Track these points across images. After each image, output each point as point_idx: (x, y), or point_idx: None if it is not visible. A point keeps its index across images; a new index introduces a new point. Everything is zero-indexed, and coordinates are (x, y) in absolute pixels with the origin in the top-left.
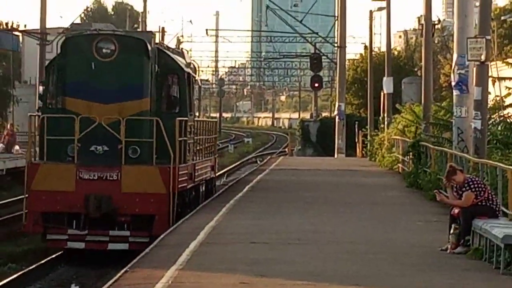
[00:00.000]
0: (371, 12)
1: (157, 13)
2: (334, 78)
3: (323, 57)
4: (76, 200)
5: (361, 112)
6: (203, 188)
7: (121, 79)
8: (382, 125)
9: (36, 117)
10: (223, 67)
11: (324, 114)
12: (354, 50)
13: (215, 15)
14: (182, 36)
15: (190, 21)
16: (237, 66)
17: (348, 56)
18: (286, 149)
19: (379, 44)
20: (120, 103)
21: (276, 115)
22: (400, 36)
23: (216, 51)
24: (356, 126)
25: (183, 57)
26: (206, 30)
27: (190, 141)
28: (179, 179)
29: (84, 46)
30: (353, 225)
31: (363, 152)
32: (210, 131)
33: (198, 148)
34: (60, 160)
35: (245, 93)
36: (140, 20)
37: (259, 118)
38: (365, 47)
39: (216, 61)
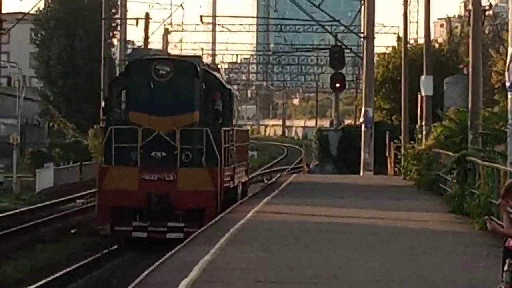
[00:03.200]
0: None
1: None
2: (360, 76)
3: (346, 50)
4: (140, 197)
5: (393, 119)
6: (240, 189)
7: (175, 96)
8: (419, 136)
9: (102, 128)
10: (222, 62)
11: (347, 122)
12: (384, 41)
13: None
14: (170, 24)
15: (181, 6)
16: (239, 61)
17: (377, 50)
18: (302, 165)
19: (416, 35)
20: (175, 116)
21: (288, 123)
22: (442, 25)
23: (213, 43)
24: (387, 136)
25: (219, 72)
26: (201, 16)
27: (231, 148)
28: (224, 179)
29: (145, 68)
30: (383, 259)
31: (396, 168)
32: (244, 139)
33: (236, 154)
34: (125, 164)
35: (250, 95)
36: (119, 4)
37: (266, 126)
38: (398, 38)
39: (213, 55)
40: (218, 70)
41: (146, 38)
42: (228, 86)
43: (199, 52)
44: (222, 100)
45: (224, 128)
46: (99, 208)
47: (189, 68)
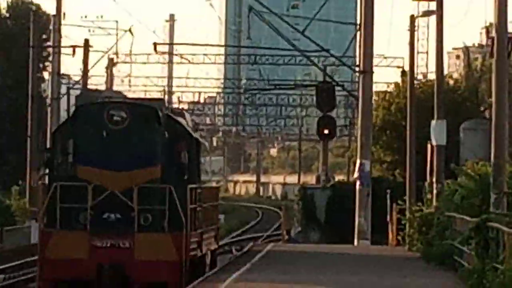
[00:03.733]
0: (412, 17)
1: (78, 18)
2: (354, 121)
3: (337, 88)
4: (89, 268)
5: (396, 175)
6: (208, 258)
7: (132, 147)
8: (428, 196)
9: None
10: (180, 102)
11: (338, 178)
12: (385, 77)
13: (168, 21)
14: (116, 53)
15: (129, 30)
16: (202, 101)
17: (376, 87)
18: (280, 232)
19: (425, 69)
20: (132, 171)
21: (263, 179)
22: (458, 56)
23: (170, 77)
24: (388, 196)
25: (185, 118)
26: (154, 44)
27: (199, 209)
28: (190, 247)
29: (96, 114)
30: None
31: (399, 237)
32: (214, 198)
33: (204, 216)
34: (73, 228)
35: (215, 144)
36: (51, 28)
37: (236, 182)
38: (403, 72)
39: (170, 92)
40: (183, 115)
41: (85, 71)
42: (195, 135)
43: (151, 89)
44: (188, 151)
45: (190, 185)
46: (41, 281)
47: (149, 113)
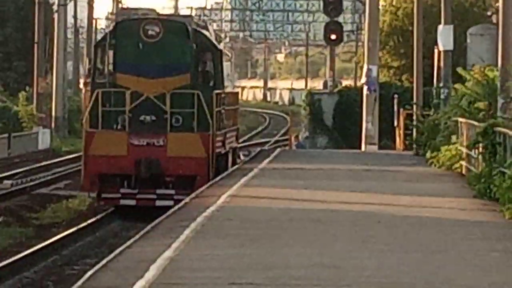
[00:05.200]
0: None
1: None
2: (362, 26)
3: None
4: (128, 163)
5: (403, 80)
6: (231, 155)
7: (165, 57)
8: (436, 100)
9: (88, 90)
10: (187, 8)
11: (345, 83)
12: None
13: None
14: None
15: None
16: (209, 6)
17: None
18: (287, 137)
19: None
20: (164, 78)
21: (271, 84)
22: None
23: None
24: (395, 101)
25: (209, 31)
26: None
27: (223, 112)
28: (216, 145)
29: (133, 29)
30: (391, 257)
31: (407, 142)
32: (235, 102)
33: (227, 118)
34: (113, 129)
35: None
36: None
37: (243, 88)
38: None
39: None
40: (207, 29)
41: None
42: (220, 47)
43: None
44: (213, 61)
45: (215, 91)
46: (85, 175)
47: (179, 28)
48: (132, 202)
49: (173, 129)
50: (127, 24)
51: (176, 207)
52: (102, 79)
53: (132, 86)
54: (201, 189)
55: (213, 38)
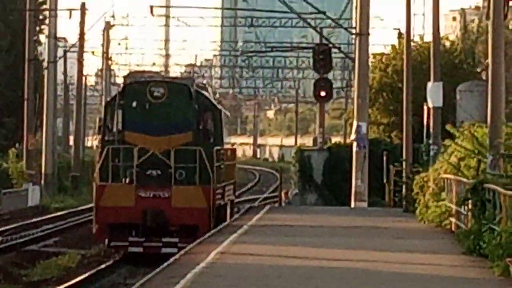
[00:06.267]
0: None
1: None
2: (351, 83)
3: (333, 50)
4: (136, 213)
5: (392, 137)
6: (229, 206)
7: (169, 116)
8: (425, 157)
9: (98, 147)
10: (177, 65)
11: (334, 140)
12: (382, 39)
13: None
14: (112, 16)
15: None
16: (199, 63)
17: (372, 49)
18: (277, 194)
19: (422, 30)
20: (169, 135)
21: (260, 141)
22: (454, 18)
23: (167, 40)
24: (385, 158)
25: (208, 92)
26: (151, 7)
27: (222, 166)
28: (216, 197)
29: (140, 90)
30: None
31: (396, 198)
32: (232, 158)
33: (226, 172)
34: (122, 182)
35: None
36: None
37: (233, 144)
38: (400, 34)
39: (167, 55)
40: (206, 89)
41: (82, 34)
42: (219, 106)
43: (147, 52)
44: (214, 120)
45: (215, 148)
46: (97, 225)
47: (182, 90)
48: (140, 250)
49: (177, 182)
50: (134, 86)
51: (165, 264)
52: (111, 137)
53: (139, 143)
54: (189, 246)
55: (212, 98)
